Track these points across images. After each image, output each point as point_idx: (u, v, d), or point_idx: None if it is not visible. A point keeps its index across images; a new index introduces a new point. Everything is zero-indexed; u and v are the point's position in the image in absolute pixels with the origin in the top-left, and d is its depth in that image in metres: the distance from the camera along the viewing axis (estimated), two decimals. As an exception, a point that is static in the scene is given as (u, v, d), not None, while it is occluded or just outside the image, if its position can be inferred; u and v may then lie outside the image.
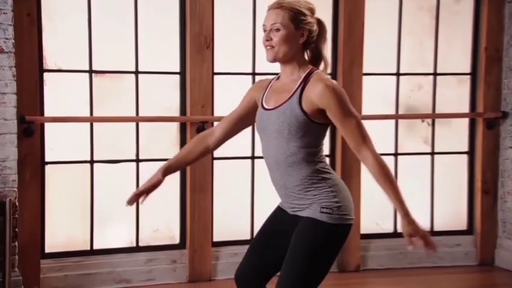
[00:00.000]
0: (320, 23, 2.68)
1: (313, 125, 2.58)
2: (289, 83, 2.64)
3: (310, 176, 2.60)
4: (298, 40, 2.62)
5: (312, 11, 2.66)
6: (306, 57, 2.69)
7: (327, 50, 2.73)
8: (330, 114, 2.56)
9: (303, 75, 2.62)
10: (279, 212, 2.76)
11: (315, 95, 2.55)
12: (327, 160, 4.79)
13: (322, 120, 2.59)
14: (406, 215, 2.56)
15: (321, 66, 2.69)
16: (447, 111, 5.13)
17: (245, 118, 2.82)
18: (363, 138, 2.57)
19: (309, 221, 2.58)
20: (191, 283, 4.62)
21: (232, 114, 2.84)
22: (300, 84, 2.60)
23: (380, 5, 4.95)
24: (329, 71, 2.74)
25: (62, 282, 4.39)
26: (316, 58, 2.69)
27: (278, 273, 2.68)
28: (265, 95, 2.71)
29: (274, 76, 2.78)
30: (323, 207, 2.57)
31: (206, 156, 2.89)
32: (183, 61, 4.61)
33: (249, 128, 4.66)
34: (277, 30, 2.61)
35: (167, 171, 2.87)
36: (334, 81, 2.61)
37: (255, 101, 2.78)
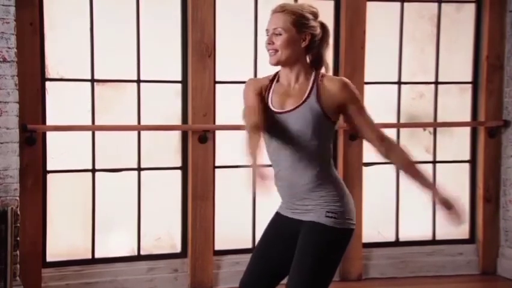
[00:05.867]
0: (323, 26, 2.70)
1: (329, 124, 2.64)
2: (298, 86, 2.67)
3: (319, 176, 2.62)
4: (300, 44, 2.64)
5: (315, 14, 2.68)
6: (308, 60, 2.70)
7: (329, 54, 2.75)
8: (350, 108, 2.63)
9: (313, 77, 2.66)
10: (278, 219, 2.76)
11: (336, 90, 2.62)
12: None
13: (335, 118, 2.66)
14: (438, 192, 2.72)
15: (322, 70, 2.71)
16: (449, 119, 5.13)
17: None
18: (380, 129, 2.69)
19: (314, 225, 2.60)
20: (192, 292, 4.62)
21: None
22: (313, 84, 2.64)
23: (381, 13, 4.95)
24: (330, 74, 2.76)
25: (63, 291, 4.39)
26: (317, 62, 2.70)
27: (283, 280, 2.70)
28: (269, 98, 2.70)
29: (266, 77, 2.75)
30: (328, 212, 2.60)
31: None
32: (185, 70, 4.62)
33: (251, 137, 4.71)
34: (279, 34, 2.63)
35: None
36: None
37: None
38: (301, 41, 2.64)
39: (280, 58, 2.65)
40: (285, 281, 2.69)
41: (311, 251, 2.57)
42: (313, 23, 2.65)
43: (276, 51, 2.64)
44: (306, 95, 2.63)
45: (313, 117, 2.60)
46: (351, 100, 2.63)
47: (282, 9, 2.65)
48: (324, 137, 2.65)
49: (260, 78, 2.82)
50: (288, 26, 2.62)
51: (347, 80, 2.67)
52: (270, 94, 2.71)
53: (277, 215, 2.77)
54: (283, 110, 2.66)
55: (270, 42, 2.65)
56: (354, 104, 2.64)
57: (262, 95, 2.72)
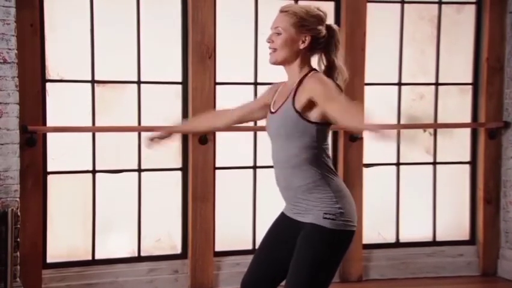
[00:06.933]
0: (330, 30, 2.67)
1: (308, 125, 2.60)
2: (289, 87, 2.68)
3: (313, 178, 2.61)
4: (298, 45, 2.64)
5: (319, 17, 2.66)
6: (323, 65, 2.68)
7: (340, 58, 2.69)
8: (318, 99, 2.52)
9: (300, 78, 2.65)
10: (282, 219, 2.76)
11: (305, 88, 2.60)
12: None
13: (315, 119, 2.59)
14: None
15: (337, 75, 2.66)
16: (449, 121, 5.13)
17: (255, 113, 2.93)
18: (350, 113, 2.46)
19: (312, 227, 2.59)
20: (193, 293, 4.62)
21: (249, 105, 2.96)
22: (296, 85, 2.64)
23: (382, 15, 4.96)
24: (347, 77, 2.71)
25: (63, 292, 4.39)
26: (330, 67, 2.68)
27: (284, 280, 2.69)
28: (273, 99, 2.77)
29: (285, 81, 2.79)
30: (326, 213, 2.58)
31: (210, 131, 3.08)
32: (185, 71, 4.62)
33: (251, 138, 4.73)
34: (279, 33, 2.65)
35: (176, 131, 3.21)
36: (327, 78, 2.62)
37: (267, 102, 2.81)
38: (300, 42, 2.64)
39: (277, 57, 2.67)
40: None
41: (309, 254, 2.56)
42: (315, 26, 2.64)
43: (275, 50, 2.66)
44: (287, 96, 2.65)
45: (288, 118, 2.60)
46: (314, 91, 2.54)
47: (285, 10, 2.67)
48: (305, 139, 2.60)
49: (280, 82, 2.83)
50: (287, 27, 2.63)
51: (322, 76, 2.61)
52: (275, 95, 2.76)
53: (282, 215, 2.78)
54: (273, 111, 2.70)
55: (269, 41, 2.68)
56: (318, 93, 2.52)
57: (268, 102, 2.79)
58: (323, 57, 2.70)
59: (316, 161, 2.62)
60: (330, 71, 2.68)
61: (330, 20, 4.85)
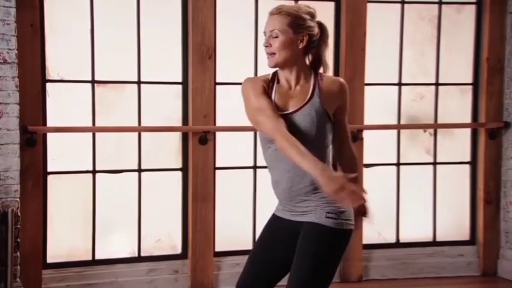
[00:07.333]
0: (321, 26, 2.69)
1: (330, 124, 2.67)
2: (299, 87, 2.67)
3: None
4: (297, 45, 2.64)
5: (311, 15, 2.67)
6: (308, 61, 2.70)
7: (328, 54, 2.75)
8: (339, 110, 2.70)
9: (313, 78, 2.67)
10: (274, 221, 2.76)
11: (337, 91, 2.68)
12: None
13: (333, 118, 2.69)
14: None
15: (321, 70, 2.72)
16: (449, 121, 5.13)
17: None
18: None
19: (313, 226, 2.60)
20: (193, 293, 4.63)
21: (277, 112, 2.62)
22: (315, 85, 2.65)
23: (382, 15, 4.96)
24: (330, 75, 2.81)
25: (63, 292, 4.39)
26: (317, 63, 2.71)
27: (279, 282, 2.71)
28: (273, 100, 2.66)
29: (264, 77, 2.71)
30: (329, 212, 2.60)
31: None
32: (185, 71, 4.62)
33: (251, 138, 4.73)
34: (276, 36, 2.63)
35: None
36: None
37: None
38: (298, 42, 2.63)
39: (278, 60, 2.65)
40: (282, 282, 2.69)
41: (311, 252, 2.57)
42: (310, 23, 2.65)
43: (274, 53, 2.64)
44: (309, 95, 2.64)
45: (317, 116, 2.61)
46: (344, 103, 2.71)
47: (278, 11, 2.65)
48: (327, 137, 2.66)
49: (258, 77, 2.79)
50: (284, 28, 2.62)
51: (344, 80, 2.74)
52: (273, 96, 2.69)
53: (274, 217, 2.77)
54: (288, 111, 2.64)
55: (267, 45, 2.66)
56: (346, 106, 2.73)
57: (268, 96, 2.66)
58: (310, 54, 2.71)
59: (327, 161, 2.65)
60: (316, 66, 2.71)
61: (330, 20, 4.89)
